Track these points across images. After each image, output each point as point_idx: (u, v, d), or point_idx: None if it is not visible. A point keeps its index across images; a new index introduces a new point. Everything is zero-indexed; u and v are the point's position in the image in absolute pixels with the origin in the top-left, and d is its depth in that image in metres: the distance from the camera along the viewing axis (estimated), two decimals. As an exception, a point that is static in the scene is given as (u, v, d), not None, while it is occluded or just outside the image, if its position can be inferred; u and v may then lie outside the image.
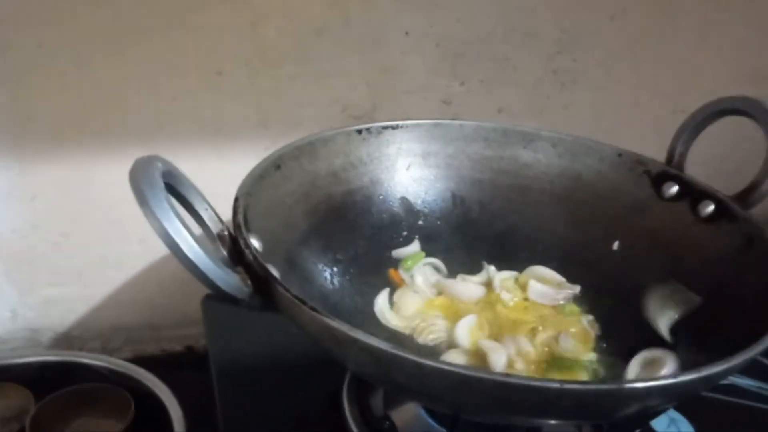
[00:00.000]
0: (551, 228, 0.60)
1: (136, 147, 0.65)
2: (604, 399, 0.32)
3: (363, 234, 0.58)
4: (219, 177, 0.68)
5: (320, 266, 0.54)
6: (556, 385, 0.31)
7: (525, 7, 0.71)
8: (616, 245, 0.57)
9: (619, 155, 0.59)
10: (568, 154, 0.61)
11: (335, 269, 0.54)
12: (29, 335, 0.70)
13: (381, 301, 0.54)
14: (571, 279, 0.57)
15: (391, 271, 0.57)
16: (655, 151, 0.59)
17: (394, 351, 0.33)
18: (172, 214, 0.35)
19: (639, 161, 0.58)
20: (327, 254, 0.54)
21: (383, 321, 0.53)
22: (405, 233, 0.60)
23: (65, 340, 0.72)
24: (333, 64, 0.68)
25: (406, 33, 0.69)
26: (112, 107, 0.63)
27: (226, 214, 0.46)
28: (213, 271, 0.36)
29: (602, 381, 0.35)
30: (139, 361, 0.72)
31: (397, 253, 0.59)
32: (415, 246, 0.59)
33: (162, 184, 0.36)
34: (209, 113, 0.66)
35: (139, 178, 0.36)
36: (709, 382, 0.34)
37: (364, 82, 0.70)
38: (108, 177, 0.65)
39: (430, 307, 0.55)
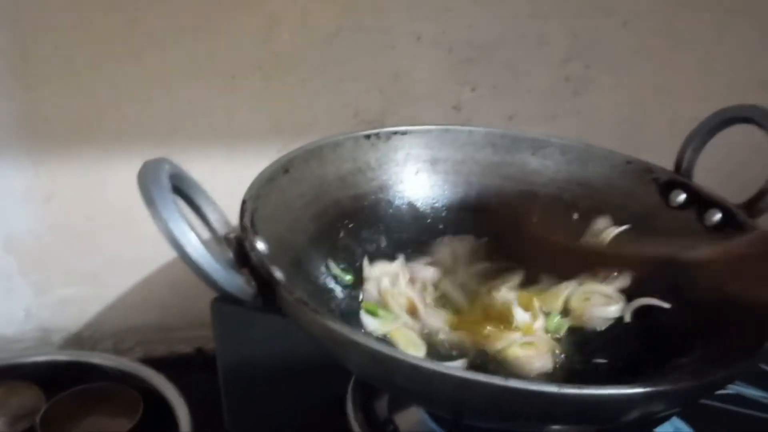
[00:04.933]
0: (558, 233, 0.60)
1: (150, 150, 0.67)
2: (604, 404, 0.32)
3: (370, 239, 0.58)
4: (231, 180, 0.69)
5: (327, 270, 0.54)
6: (554, 390, 0.32)
7: (537, 13, 0.71)
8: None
9: (628, 163, 0.59)
10: (577, 161, 0.61)
11: (342, 273, 0.55)
12: (42, 335, 0.71)
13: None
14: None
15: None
16: (669, 159, 0.59)
17: (392, 354, 0.33)
18: (177, 215, 0.35)
19: (648, 169, 0.58)
20: (334, 258, 0.55)
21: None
22: (412, 239, 0.60)
23: (77, 340, 0.73)
24: (345, 69, 0.68)
25: (418, 38, 0.69)
26: (127, 110, 0.64)
27: (237, 217, 0.47)
28: (217, 272, 0.36)
29: (601, 386, 0.35)
30: (150, 361, 0.73)
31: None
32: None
33: (169, 186, 0.37)
34: (222, 117, 0.67)
35: (147, 179, 0.36)
36: (710, 388, 0.34)
37: (376, 87, 0.70)
38: (122, 179, 0.66)
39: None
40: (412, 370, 0.33)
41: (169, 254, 0.72)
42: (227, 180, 0.69)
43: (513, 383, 0.32)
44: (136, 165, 0.66)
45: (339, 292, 0.53)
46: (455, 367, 0.33)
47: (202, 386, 0.68)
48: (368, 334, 0.48)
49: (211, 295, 0.64)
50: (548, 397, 0.32)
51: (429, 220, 0.61)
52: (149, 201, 0.35)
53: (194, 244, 0.35)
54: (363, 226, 0.58)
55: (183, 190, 0.41)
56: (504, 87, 0.73)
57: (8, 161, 0.63)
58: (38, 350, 0.70)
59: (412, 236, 0.60)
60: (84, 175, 0.65)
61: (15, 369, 0.63)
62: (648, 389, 0.32)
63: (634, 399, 0.31)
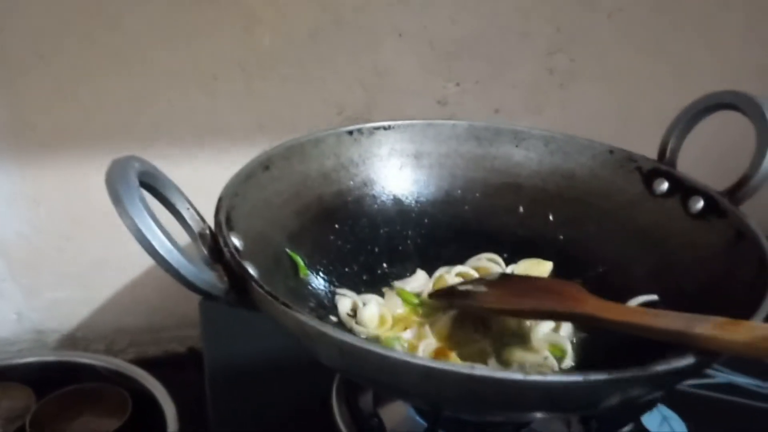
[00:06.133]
0: (544, 226, 0.60)
1: (133, 151, 0.66)
2: (569, 390, 0.32)
3: (354, 234, 0.58)
4: (216, 180, 0.70)
5: (310, 266, 0.54)
6: (519, 377, 0.32)
7: (520, 6, 0.71)
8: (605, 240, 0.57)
9: (611, 152, 0.59)
10: (560, 152, 0.61)
11: (325, 269, 0.55)
12: (35, 337, 0.72)
13: (343, 308, 0.51)
14: (565, 276, 0.56)
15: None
16: (655, 149, 0.59)
17: (360, 345, 0.33)
18: (144, 212, 0.35)
19: (630, 158, 0.58)
20: (316, 254, 0.55)
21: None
22: (396, 233, 0.60)
23: (70, 341, 0.73)
24: (327, 66, 0.69)
25: (400, 34, 0.69)
26: (110, 113, 0.65)
27: None
28: (185, 268, 0.37)
29: (565, 372, 0.35)
30: (142, 362, 0.73)
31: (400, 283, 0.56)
32: (420, 278, 0.57)
33: (136, 183, 0.37)
34: (205, 117, 0.67)
35: (113, 177, 0.37)
36: (678, 375, 0.34)
37: (359, 84, 0.70)
38: (108, 181, 0.67)
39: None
40: (380, 360, 0.33)
41: (159, 255, 0.73)
42: (211, 180, 0.70)
43: (479, 371, 0.32)
44: None
45: (321, 287, 0.53)
46: (420, 357, 0.33)
47: (193, 385, 0.69)
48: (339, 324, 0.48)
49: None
50: (514, 384, 0.32)
51: (414, 215, 0.61)
52: (116, 199, 0.36)
53: (162, 241, 0.36)
54: (347, 221, 0.59)
55: (155, 187, 0.42)
56: (488, 81, 0.73)
57: (-5, 166, 0.63)
58: (29, 351, 0.71)
59: (396, 231, 0.60)
60: (70, 179, 0.66)
61: (6, 370, 0.63)
62: (611, 377, 0.31)
63: (595, 385, 0.31)
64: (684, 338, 0.36)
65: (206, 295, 0.39)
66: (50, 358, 0.65)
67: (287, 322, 0.37)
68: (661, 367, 0.32)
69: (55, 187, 0.66)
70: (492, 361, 0.47)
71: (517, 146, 0.63)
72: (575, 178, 0.60)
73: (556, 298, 0.46)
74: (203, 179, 0.69)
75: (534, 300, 0.46)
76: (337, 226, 0.58)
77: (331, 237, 0.57)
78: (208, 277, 0.38)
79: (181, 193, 0.44)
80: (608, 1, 0.73)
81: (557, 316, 0.47)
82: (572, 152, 0.61)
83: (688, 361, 0.34)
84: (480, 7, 0.70)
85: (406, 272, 0.58)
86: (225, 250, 0.41)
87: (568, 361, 0.48)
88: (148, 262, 0.71)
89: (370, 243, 0.58)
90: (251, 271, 0.40)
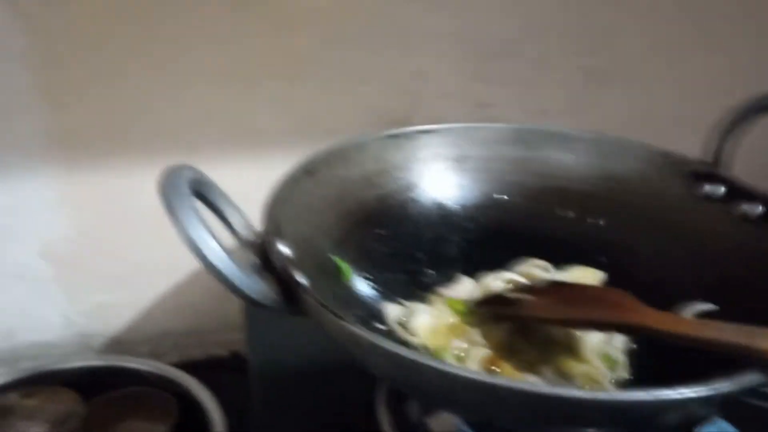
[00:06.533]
0: (592, 232, 0.58)
1: (176, 155, 0.66)
2: (631, 408, 0.31)
3: (398, 239, 0.57)
4: (256, 184, 0.70)
5: (355, 272, 0.54)
6: (586, 395, 0.31)
7: (557, 6, 0.70)
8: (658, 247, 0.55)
9: (660, 155, 0.57)
10: (606, 155, 0.60)
11: (369, 275, 0.54)
12: (81, 340, 0.73)
13: (391, 316, 0.51)
14: (615, 284, 0.54)
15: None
16: (698, 150, 0.57)
17: (416, 358, 0.33)
18: (197, 222, 0.35)
19: (681, 161, 0.56)
20: (361, 260, 0.54)
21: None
22: (440, 238, 0.59)
23: (115, 345, 0.74)
24: (367, 70, 0.68)
25: (441, 36, 0.68)
26: (153, 118, 0.65)
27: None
28: (239, 278, 0.36)
29: (628, 389, 0.34)
30: (186, 365, 0.74)
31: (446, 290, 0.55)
32: (465, 284, 0.56)
33: (188, 192, 0.37)
34: (246, 122, 0.68)
35: (166, 186, 0.37)
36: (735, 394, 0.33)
37: (398, 87, 0.70)
38: (151, 185, 0.67)
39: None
40: (437, 374, 0.33)
41: (201, 259, 0.73)
42: (252, 184, 0.69)
43: (545, 389, 0.31)
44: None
45: (367, 294, 0.52)
46: (476, 372, 0.32)
47: (237, 389, 0.69)
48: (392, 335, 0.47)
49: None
50: (579, 402, 0.31)
51: (457, 219, 0.61)
52: (169, 208, 0.36)
53: (214, 250, 0.35)
54: (390, 226, 0.58)
55: (206, 195, 0.42)
56: (527, 82, 0.72)
57: (40, 172, 0.64)
58: (76, 356, 0.71)
59: (440, 236, 0.59)
60: (114, 183, 0.66)
61: (52, 375, 0.64)
62: (677, 396, 0.30)
63: (662, 404, 0.30)
64: (746, 352, 0.34)
65: (257, 305, 0.38)
66: (97, 362, 0.65)
67: (339, 333, 0.37)
68: (730, 385, 0.31)
69: (99, 191, 0.67)
70: (545, 372, 0.46)
71: (563, 149, 0.61)
72: (625, 181, 0.59)
73: (608, 307, 0.45)
74: (243, 183, 0.69)
75: (586, 310, 0.45)
76: (380, 231, 0.57)
77: (375, 242, 0.56)
78: (260, 287, 0.38)
79: (231, 201, 0.43)
80: (645, 1, 0.71)
81: (611, 327, 0.46)
82: (622, 155, 0.59)
83: (756, 378, 0.33)
84: (518, 8, 0.69)
85: (451, 278, 0.57)
86: (275, 258, 0.41)
87: (621, 373, 0.47)
88: (193, 265, 0.72)
89: (414, 248, 0.58)
90: (301, 279, 0.40)
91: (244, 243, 0.43)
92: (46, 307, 0.70)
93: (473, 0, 0.67)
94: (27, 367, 0.72)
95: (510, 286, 0.55)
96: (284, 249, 0.43)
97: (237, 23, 0.62)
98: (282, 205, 0.48)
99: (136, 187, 0.67)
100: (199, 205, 0.39)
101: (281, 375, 0.63)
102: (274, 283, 0.39)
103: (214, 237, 0.36)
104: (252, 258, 0.42)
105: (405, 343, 0.48)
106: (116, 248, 0.69)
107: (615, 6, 0.69)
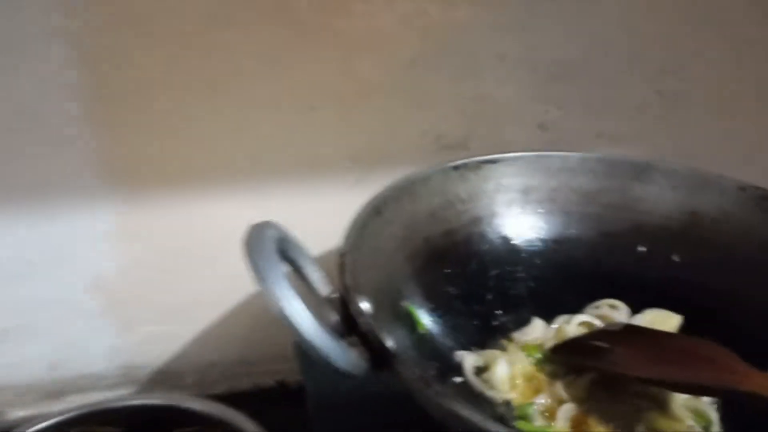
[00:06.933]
0: (668, 269, 0.56)
1: (230, 186, 0.65)
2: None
3: (465, 279, 0.55)
4: (308, 213, 0.68)
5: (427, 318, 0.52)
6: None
7: (627, 25, 0.67)
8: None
9: (743, 189, 0.55)
10: (684, 188, 0.57)
11: (439, 320, 0.52)
12: (126, 372, 0.71)
13: (469, 367, 0.48)
14: (696, 331, 0.51)
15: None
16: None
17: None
18: (290, 293, 0.33)
19: (764, 196, 0.53)
20: (431, 304, 0.52)
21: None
22: (507, 276, 0.57)
23: (161, 376, 0.72)
24: (426, 94, 0.65)
25: (502, 58, 0.66)
26: (207, 146, 0.63)
27: (317, 252, 0.45)
28: (332, 350, 0.34)
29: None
30: (233, 396, 0.72)
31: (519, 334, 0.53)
32: (537, 327, 0.53)
33: (278, 258, 0.35)
34: (301, 149, 0.65)
35: (254, 250, 0.34)
36: None
37: (457, 110, 0.67)
38: (205, 214, 0.65)
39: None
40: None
41: (249, 289, 0.71)
42: (305, 213, 0.68)
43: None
44: (218, 201, 0.66)
45: (441, 341, 0.50)
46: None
47: (286, 421, 0.67)
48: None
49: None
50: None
51: (524, 255, 0.58)
52: (259, 276, 0.34)
53: (309, 323, 0.33)
54: (457, 262, 0.56)
55: (285, 251, 0.39)
56: (591, 104, 0.69)
57: (91, 203, 0.62)
58: (123, 395, 0.70)
59: (507, 273, 0.57)
60: (166, 215, 0.64)
61: (101, 414, 0.62)
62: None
63: None
64: None
65: (348, 375, 0.36)
66: (152, 401, 0.63)
67: (439, 411, 0.34)
68: None
69: (150, 224, 0.64)
70: (640, 430, 0.43)
71: (635, 180, 0.59)
72: (702, 216, 0.56)
73: (708, 367, 0.42)
74: (296, 212, 0.68)
75: (684, 370, 0.42)
76: (447, 270, 0.55)
77: (443, 283, 0.54)
78: (352, 357, 0.36)
79: (309, 256, 0.41)
80: (721, 13, 0.68)
81: (714, 392, 0.43)
82: (697, 188, 0.57)
83: None
84: (586, 28, 0.66)
85: (522, 320, 0.54)
86: (360, 321, 0.38)
87: (715, 430, 0.44)
88: (241, 295, 0.71)
89: (482, 288, 0.56)
90: (390, 343, 0.38)
91: (323, 300, 0.41)
92: (94, 340, 0.69)
93: (539, 20, 0.64)
94: (73, 400, 0.70)
95: (585, 330, 0.53)
96: (365, 304, 0.41)
97: (295, 48, 0.60)
98: (355, 252, 0.45)
99: (188, 217, 0.65)
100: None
101: (338, 403, 0.61)
102: (363, 351, 0.37)
103: (307, 307, 0.34)
104: (331, 317, 0.40)
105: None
106: (167, 280, 0.67)
107: (689, 21, 0.66)
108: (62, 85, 0.57)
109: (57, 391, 0.70)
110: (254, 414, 0.64)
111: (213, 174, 0.64)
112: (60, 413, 0.60)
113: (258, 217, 0.65)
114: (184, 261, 0.67)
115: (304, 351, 0.65)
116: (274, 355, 0.73)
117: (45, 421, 0.58)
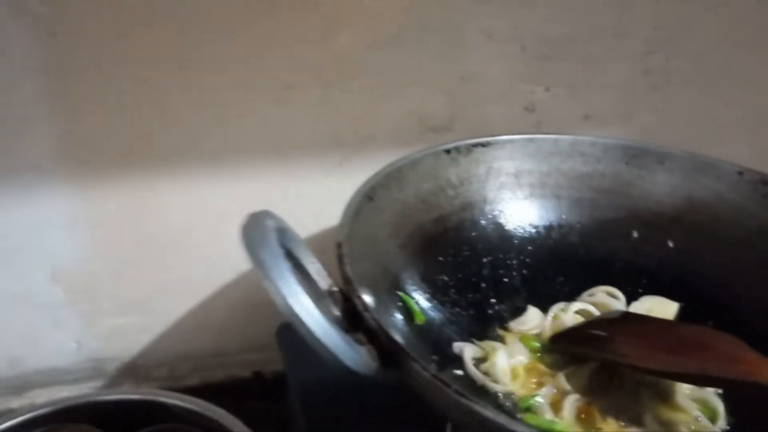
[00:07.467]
0: (662, 254, 0.55)
1: (199, 168, 0.61)
2: None
3: (458, 267, 0.53)
4: (289, 196, 0.65)
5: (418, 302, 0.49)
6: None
7: (615, 3, 0.65)
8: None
9: (740, 173, 0.54)
10: (678, 171, 0.56)
11: (435, 310, 0.50)
12: (94, 365, 0.67)
13: (468, 359, 0.46)
14: (693, 318, 0.50)
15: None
16: (759, 161, 0.54)
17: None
18: (297, 288, 0.30)
19: (763, 181, 0.53)
20: (424, 293, 0.50)
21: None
22: (500, 263, 0.55)
23: (131, 369, 0.68)
24: (409, 73, 0.63)
25: (489, 36, 0.63)
26: (175, 128, 0.59)
27: (303, 236, 0.42)
28: (341, 349, 0.32)
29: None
30: (206, 388, 0.69)
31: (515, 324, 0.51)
32: (533, 316, 0.51)
33: (281, 251, 0.32)
34: (278, 130, 0.62)
35: (256, 243, 0.31)
36: None
37: (442, 91, 0.64)
38: (172, 201, 0.61)
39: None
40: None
41: (224, 278, 0.68)
42: (285, 195, 0.65)
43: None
44: (186, 185, 0.62)
45: (435, 332, 0.48)
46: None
47: (262, 412, 0.65)
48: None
49: (269, 317, 0.60)
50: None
51: (516, 241, 0.56)
52: (264, 272, 0.31)
53: (318, 321, 0.31)
54: (448, 250, 0.53)
55: (283, 243, 0.36)
56: (579, 85, 0.68)
57: (50, 190, 0.57)
58: (98, 390, 0.66)
59: (500, 260, 0.55)
60: (131, 200, 0.60)
61: (74, 409, 0.58)
62: None
63: None
64: None
65: (356, 374, 0.34)
66: (126, 396, 0.60)
67: (454, 411, 0.32)
68: None
69: (115, 209, 0.60)
70: (648, 423, 0.42)
71: (627, 163, 0.58)
72: (697, 200, 0.55)
73: (713, 357, 0.40)
74: (275, 195, 0.64)
75: (689, 361, 0.41)
76: (440, 258, 0.53)
77: (437, 271, 0.52)
78: (362, 357, 0.33)
79: (307, 248, 0.38)
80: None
81: (721, 383, 0.42)
82: (692, 171, 0.56)
83: None
84: (574, 5, 0.64)
85: (517, 309, 0.53)
86: (366, 316, 0.36)
87: (721, 423, 0.44)
88: (215, 285, 0.67)
89: (475, 276, 0.54)
90: (399, 339, 0.35)
91: (322, 293, 0.38)
92: (57, 332, 0.64)
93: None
94: (38, 395, 0.66)
95: (581, 318, 0.51)
96: (368, 298, 0.38)
97: (269, 23, 0.56)
98: (351, 241, 0.42)
99: (155, 204, 0.61)
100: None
101: (321, 390, 0.58)
102: (372, 349, 0.34)
103: (314, 302, 0.31)
104: (333, 311, 0.37)
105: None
106: (132, 270, 0.63)
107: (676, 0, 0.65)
108: (18, 62, 0.52)
109: (20, 386, 0.66)
110: (230, 406, 0.61)
111: (181, 156, 0.60)
112: (28, 410, 0.57)
113: (230, 202, 0.62)
114: (149, 249, 0.63)
115: (287, 340, 0.63)
116: (250, 346, 0.70)
117: (12, 419, 0.54)
